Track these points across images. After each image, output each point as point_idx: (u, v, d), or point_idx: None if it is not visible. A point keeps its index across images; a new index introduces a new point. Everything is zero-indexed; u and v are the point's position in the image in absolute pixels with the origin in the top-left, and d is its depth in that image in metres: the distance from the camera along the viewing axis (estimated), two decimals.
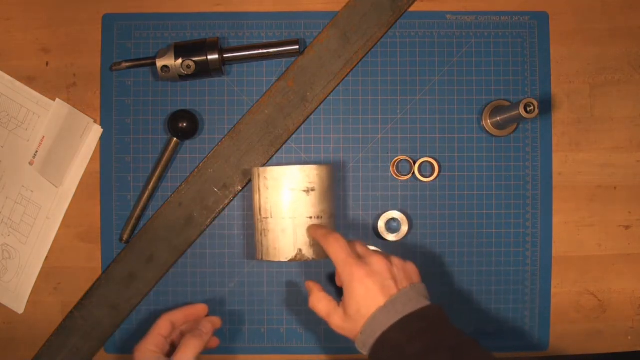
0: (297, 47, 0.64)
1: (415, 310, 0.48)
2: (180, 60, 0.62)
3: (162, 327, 0.57)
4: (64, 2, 0.66)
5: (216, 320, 0.61)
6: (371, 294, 0.49)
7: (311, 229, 0.56)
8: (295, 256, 0.57)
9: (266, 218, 0.58)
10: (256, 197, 0.59)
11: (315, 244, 0.57)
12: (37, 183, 0.65)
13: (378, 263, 0.50)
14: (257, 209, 0.59)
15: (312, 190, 0.57)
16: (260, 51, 0.64)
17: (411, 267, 0.53)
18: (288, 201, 0.57)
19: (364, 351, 0.49)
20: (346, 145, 0.66)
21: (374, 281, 0.49)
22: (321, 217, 0.58)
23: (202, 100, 0.66)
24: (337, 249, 0.51)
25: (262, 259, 0.59)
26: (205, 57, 0.62)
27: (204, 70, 0.62)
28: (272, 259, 0.58)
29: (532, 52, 0.66)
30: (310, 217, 0.57)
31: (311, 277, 0.66)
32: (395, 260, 0.52)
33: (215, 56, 0.62)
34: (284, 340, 0.66)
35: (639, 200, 0.67)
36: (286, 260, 0.57)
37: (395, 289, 0.49)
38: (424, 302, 0.49)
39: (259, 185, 0.59)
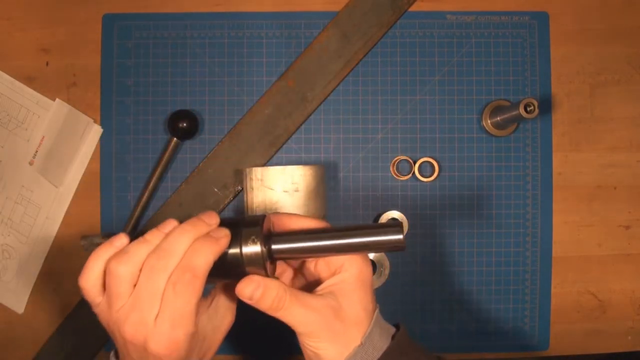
0: (401, 236, 0.42)
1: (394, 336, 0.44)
2: None
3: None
4: (64, 2, 0.66)
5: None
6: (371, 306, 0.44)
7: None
8: None
9: None
10: (245, 197, 0.60)
11: None
12: (37, 183, 0.65)
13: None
14: (246, 209, 0.60)
15: (296, 191, 0.57)
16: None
17: None
18: (271, 201, 0.57)
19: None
20: (346, 145, 0.66)
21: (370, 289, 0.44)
22: None
23: (202, 100, 0.66)
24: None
25: None
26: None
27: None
28: None
29: (532, 52, 0.66)
30: None
31: None
32: None
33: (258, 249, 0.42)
34: (284, 340, 0.66)
35: (639, 200, 0.67)
36: None
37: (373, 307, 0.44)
38: (391, 328, 0.45)
39: (247, 186, 0.59)
